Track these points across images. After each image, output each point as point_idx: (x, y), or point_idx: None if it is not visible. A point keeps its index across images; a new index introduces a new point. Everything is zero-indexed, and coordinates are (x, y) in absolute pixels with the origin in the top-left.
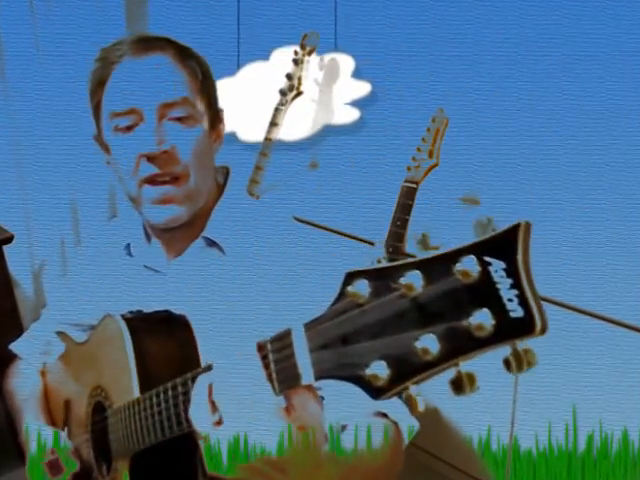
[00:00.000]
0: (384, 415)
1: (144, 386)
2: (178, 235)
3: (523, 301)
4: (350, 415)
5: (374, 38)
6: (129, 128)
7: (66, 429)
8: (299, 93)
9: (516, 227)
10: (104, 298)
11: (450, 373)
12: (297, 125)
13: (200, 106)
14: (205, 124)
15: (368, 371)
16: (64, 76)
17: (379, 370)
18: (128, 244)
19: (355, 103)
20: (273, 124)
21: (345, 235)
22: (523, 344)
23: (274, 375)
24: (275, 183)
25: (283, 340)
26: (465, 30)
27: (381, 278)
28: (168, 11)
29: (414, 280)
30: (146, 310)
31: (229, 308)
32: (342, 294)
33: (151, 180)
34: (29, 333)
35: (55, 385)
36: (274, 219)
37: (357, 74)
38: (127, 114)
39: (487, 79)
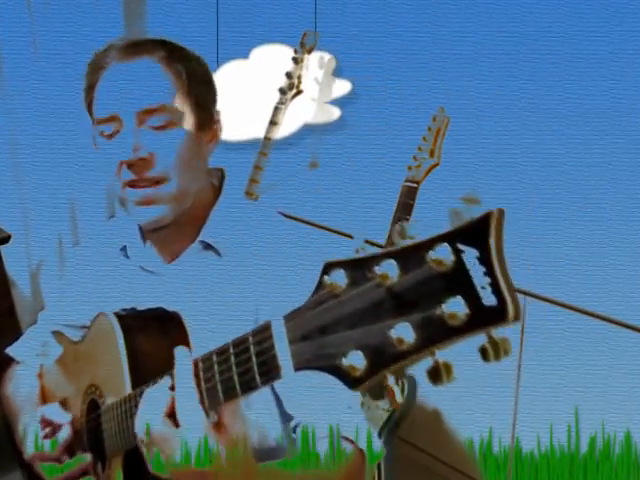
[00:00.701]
0: (351, 441)
1: (136, 384)
2: (169, 237)
3: (496, 289)
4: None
5: (355, 36)
6: (111, 135)
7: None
8: (299, 92)
9: (488, 215)
10: (102, 298)
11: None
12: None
13: (185, 109)
14: (191, 127)
15: (345, 361)
16: (62, 75)
17: (356, 360)
18: (124, 246)
19: (336, 102)
20: (273, 123)
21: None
22: (499, 332)
23: (255, 368)
24: (274, 183)
25: (263, 332)
26: (466, 28)
27: (358, 268)
28: (167, 9)
29: (389, 269)
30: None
31: (227, 309)
32: (320, 285)
33: (131, 184)
34: (25, 334)
35: (52, 387)
36: (271, 220)
37: (338, 73)
38: (108, 121)
39: (488, 78)
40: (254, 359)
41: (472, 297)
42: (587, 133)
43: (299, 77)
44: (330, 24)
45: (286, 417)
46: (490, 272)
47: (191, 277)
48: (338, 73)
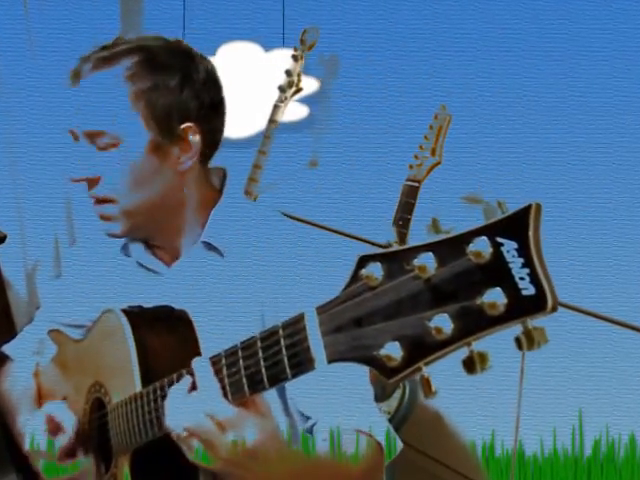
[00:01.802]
0: (369, 435)
1: (145, 380)
2: (156, 243)
3: (535, 279)
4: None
5: (325, 33)
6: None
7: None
8: (298, 90)
9: (527, 208)
10: (99, 299)
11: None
12: (242, 123)
13: (144, 123)
14: (148, 144)
15: (382, 352)
16: (58, 72)
17: (393, 351)
18: (125, 244)
19: (304, 100)
20: (272, 121)
21: (347, 235)
22: (534, 323)
23: (285, 360)
24: (274, 182)
25: (296, 325)
26: (468, 25)
27: (394, 261)
28: (164, 6)
29: (427, 261)
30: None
31: (228, 309)
32: (355, 277)
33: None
34: (21, 334)
35: (50, 385)
36: (271, 219)
37: (306, 71)
38: (70, 134)
39: (491, 75)
40: (284, 351)
41: (511, 287)
42: (592, 131)
43: (299, 75)
44: (299, 22)
45: (302, 417)
46: (529, 263)
47: (190, 276)
48: (306, 71)
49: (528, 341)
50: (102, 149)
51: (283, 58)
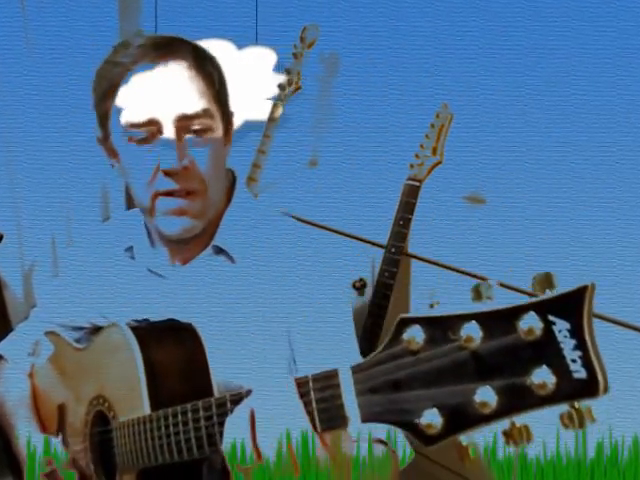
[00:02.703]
0: (384, 443)
1: (154, 401)
2: (187, 245)
3: (587, 362)
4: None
5: (295, 30)
6: (146, 140)
7: (60, 436)
8: (298, 88)
9: (583, 289)
10: (96, 300)
11: None
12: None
13: (217, 115)
14: (220, 133)
15: (423, 420)
16: (55, 71)
17: (433, 418)
18: (131, 246)
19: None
20: (271, 120)
21: (347, 235)
22: (584, 402)
23: (316, 414)
24: (273, 181)
25: (329, 380)
26: (469, 23)
27: (437, 327)
28: (164, 4)
29: (473, 332)
30: (141, 313)
31: (228, 310)
32: (394, 339)
33: (167, 194)
34: (17, 334)
35: (45, 388)
36: (270, 219)
37: (279, 68)
38: (145, 125)
39: (493, 74)
40: (314, 404)
41: (561, 368)
42: (596, 130)
43: (298, 73)
44: (271, 19)
45: None
46: (582, 346)
47: (188, 277)
48: (279, 69)
49: (578, 419)
50: (200, 132)
51: (256, 56)
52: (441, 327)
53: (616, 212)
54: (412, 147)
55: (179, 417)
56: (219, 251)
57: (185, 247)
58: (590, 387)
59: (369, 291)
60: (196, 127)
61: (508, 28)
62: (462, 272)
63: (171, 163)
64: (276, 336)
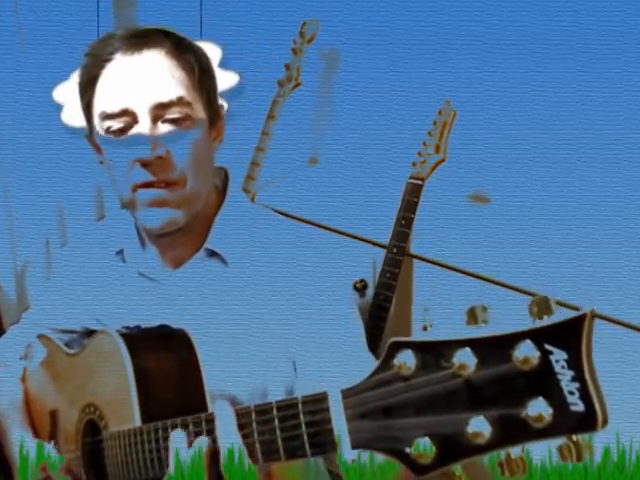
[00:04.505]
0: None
1: (145, 412)
2: (176, 242)
3: (585, 395)
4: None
5: (240, 26)
6: (122, 131)
7: (52, 442)
8: (297, 84)
9: (582, 317)
10: (90, 302)
11: None
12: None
13: (198, 104)
14: (204, 123)
15: (414, 450)
16: (48, 66)
17: (424, 448)
18: (121, 250)
19: (222, 94)
20: (270, 117)
21: (348, 235)
22: (582, 436)
23: (305, 438)
24: (272, 180)
25: (317, 404)
26: (472, 19)
27: (429, 352)
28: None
29: (467, 359)
30: (135, 314)
31: (225, 311)
32: (385, 363)
33: (146, 185)
34: (9, 337)
35: (38, 392)
36: (269, 218)
37: (224, 64)
38: (120, 116)
39: (497, 70)
40: (303, 428)
41: (558, 400)
42: (601, 127)
43: (298, 69)
44: (215, 14)
45: None
46: (580, 378)
47: (183, 278)
48: (224, 65)
49: (576, 452)
50: (176, 121)
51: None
52: (433, 353)
53: (623, 210)
54: (414, 145)
55: (169, 431)
56: (212, 254)
57: (173, 245)
58: (588, 421)
59: (370, 292)
60: (172, 116)
61: (512, 24)
62: (466, 273)
63: (145, 153)
64: (274, 340)
